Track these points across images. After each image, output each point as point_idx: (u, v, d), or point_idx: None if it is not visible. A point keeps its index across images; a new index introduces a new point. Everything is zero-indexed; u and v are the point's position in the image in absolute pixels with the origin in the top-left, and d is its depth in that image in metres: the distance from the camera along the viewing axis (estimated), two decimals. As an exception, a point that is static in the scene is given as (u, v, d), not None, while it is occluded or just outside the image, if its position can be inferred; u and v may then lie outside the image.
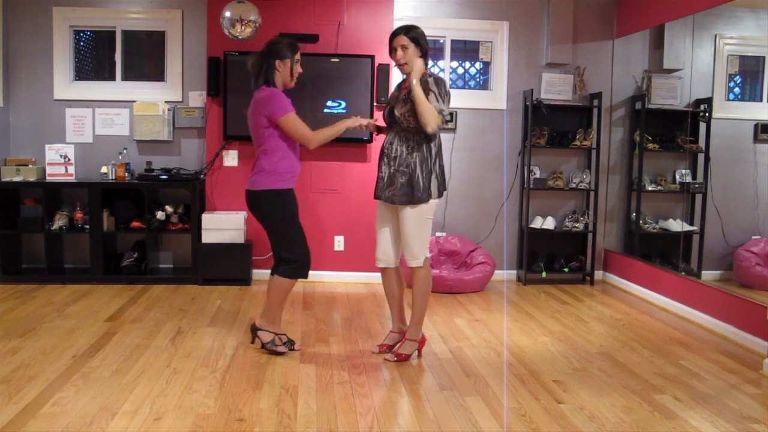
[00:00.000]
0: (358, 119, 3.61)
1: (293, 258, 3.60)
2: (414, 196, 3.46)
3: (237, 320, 4.33)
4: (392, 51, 3.52)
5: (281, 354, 3.65)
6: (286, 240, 3.61)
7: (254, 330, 3.71)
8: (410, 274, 3.65)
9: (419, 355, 3.70)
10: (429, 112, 3.38)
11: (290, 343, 3.76)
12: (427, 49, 3.54)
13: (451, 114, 5.61)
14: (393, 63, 3.60)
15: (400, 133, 3.52)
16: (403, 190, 3.48)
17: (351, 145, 5.47)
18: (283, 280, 3.61)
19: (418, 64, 3.43)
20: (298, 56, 3.58)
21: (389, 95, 3.74)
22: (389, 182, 3.54)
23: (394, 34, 3.50)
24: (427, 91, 3.42)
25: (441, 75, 3.41)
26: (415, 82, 3.39)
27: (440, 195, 3.55)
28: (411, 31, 3.48)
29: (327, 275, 5.58)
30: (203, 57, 5.51)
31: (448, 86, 3.59)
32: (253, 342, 3.76)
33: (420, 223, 3.51)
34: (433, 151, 3.52)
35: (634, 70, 5.77)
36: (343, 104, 5.34)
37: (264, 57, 3.52)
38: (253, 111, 3.56)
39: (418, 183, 3.46)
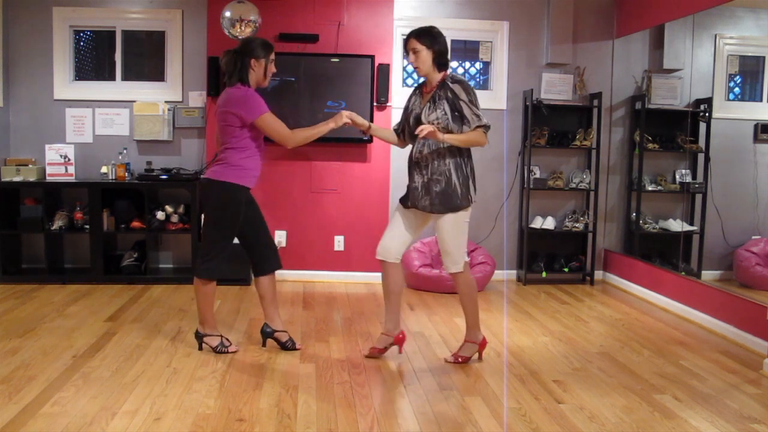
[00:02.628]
0: (342, 117, 3.47)
1: (206, 258, 3.55)
2: (453, 203, 3.40)
3: (237, 320, 4.33)
4: (406, 53, 3.50)
5: (233, 353, 3.65)
6: (210, 237, 3.56)
7: (199, 337, 3.67)
8: (454, 280, 3.63)
9: (479, 358, 3.67)
10: (474, 140, 3.37)
11: (291, 342, 3.76)
12: (443, 50, 3.43)
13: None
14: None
15: (430, 141, 3.41)
16: (440, 198, 3.40)
17: (351, 145, 5.47)
18: (198, 281, 3.55)
19: (427, 130, 3.27)
20: (272, 56, 3.55)
21: (409, 102, 3.59)
22: (425, 191, 3.43)
23: (407, 37, 3.45)
24: (457, 101, 3.35)
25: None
26: (443, 138, 3.31)
27: (474, 199, 3.51)
28: (422, 36, 3.40)
29: (327, 275, 5.58)
30: (203, 57, 5.51)
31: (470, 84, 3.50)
32: (200, 348, 3.68)
33: (459, 230, 3.47)
34: (465, 156, 3.46)
35: (634, 70, 5.77)
36: (344, 104, 5.34)
37: (239, 55, 3.48)
38: (224, 108, 3.47)
39: (456, 190, 3.40)
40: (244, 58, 3.47)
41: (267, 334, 3.76)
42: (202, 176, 3.57)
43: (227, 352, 3.64)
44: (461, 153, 3.44)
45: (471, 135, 3.37)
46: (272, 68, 3.57)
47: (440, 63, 3.44)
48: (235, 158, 3.48)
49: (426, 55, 3.40)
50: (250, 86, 3.51)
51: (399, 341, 3.66)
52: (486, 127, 3.40)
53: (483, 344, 3.66)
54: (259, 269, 3.72)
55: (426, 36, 3.40)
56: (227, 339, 3.70)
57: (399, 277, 3.65)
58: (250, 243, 3.71)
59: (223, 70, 3.54)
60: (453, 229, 3.46)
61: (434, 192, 3.41)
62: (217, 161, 3.54)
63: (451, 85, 3.40)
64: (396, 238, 3.59)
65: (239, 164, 3.48)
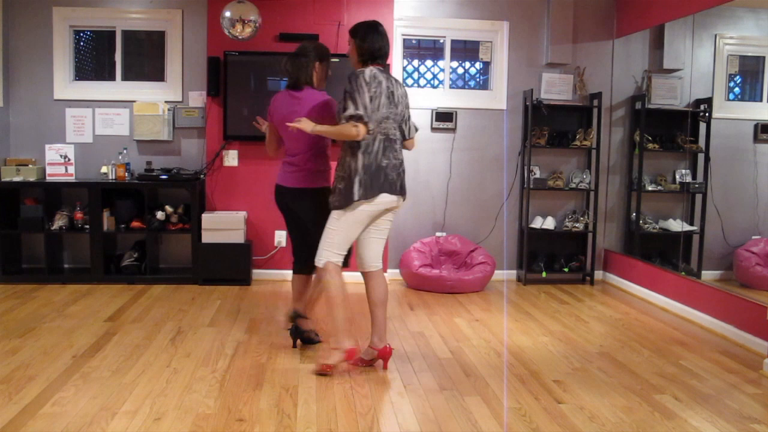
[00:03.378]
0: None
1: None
2: (334, 199, 3.34)
3: (237, 320, 4.33)
4: None
5: (318, 342, 3.86)
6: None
7: (297, 317, 3.78)
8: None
9: (354, 364, 3.51)
10: (341, 132, 3.22)
11: (315, 335, 3.92)
12: (365, 46, 3.36)
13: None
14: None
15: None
16: (334, 194, 3.36)
17: (351, 145, 5.47)
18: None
19: (304, 123, 3.32)
20: (331, 60, 3.74)
21: None
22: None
23: None
24: (344, 92, 3.30)
25: (360, 72, 3.10)
26: (312, 129, 3.29)
27: (365, 197, 3.26)
28: (352, 29, 3.47)
29: (327, 275, 5.57)
30: (203, 57, 5.51)
31: (362, 78, 3.25)
32: (295, 333, 3.82)
33: (334, 220, 3.34)
34: (358, 151, 3.27)
35: (634, 70, 5.77)
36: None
37: (306, 59, 3.61)
38: (311, 114, 3.51)
39: (337, 187, 3.33)
40: (310, 61, 3.61)
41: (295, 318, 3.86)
42: (305, 186, 3.63)
43: (319, 342, 3.85)
44: (354, 149, 3.28)
45: (340, 126, 3.24)
46: (329, 71, 3.73)
47: (362, 59, 3.41)
48: (325, 163, 3.67)
49: (352, 48, 3.44)
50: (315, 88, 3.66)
51: (383, 355, 3.47)
52: (354, 118, 3.19)
53: (350, 354, 3.40)
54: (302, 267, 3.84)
55: (353, 30, 3.46)
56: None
57: (378, 286, 3.49)
58: (301, 240, 3.81)
59: (287, 74, 3.65)
60: (331, 218, 3.36)
61: (338, 189, 3.34)
62: (310, 168, 3.60)
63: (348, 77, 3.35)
64: (360, 247, 3.49)
65: (328, 168, 3.68)
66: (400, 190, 3.40)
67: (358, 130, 3.20)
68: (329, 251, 3.38)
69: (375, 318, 3.49)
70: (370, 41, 3.39)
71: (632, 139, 5.78)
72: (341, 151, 3.38)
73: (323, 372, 3.38)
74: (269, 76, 5.42)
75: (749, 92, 5.42)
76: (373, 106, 3.24)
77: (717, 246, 5.13)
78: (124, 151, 5.49)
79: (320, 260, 3.39)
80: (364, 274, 3.51)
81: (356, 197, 3.26)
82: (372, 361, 3.53)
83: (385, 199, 3.33)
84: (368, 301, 3.51)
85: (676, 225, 5.46)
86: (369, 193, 3.28)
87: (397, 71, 5.66)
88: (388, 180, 3.33)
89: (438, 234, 5.70)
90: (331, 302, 3.39)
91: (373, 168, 3.29)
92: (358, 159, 3.28)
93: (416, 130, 3.57)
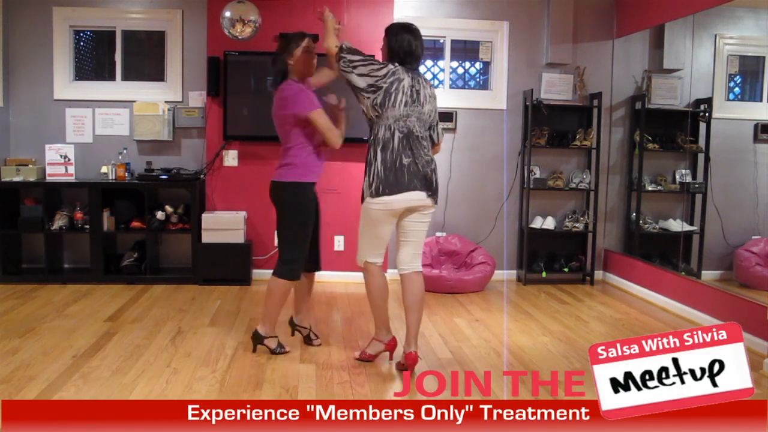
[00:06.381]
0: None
1: (290, 258, 3.58)
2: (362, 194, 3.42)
3: (237, 320, 4.33)
4: None
5: (287, 353, 3.67)
6: (289, 238, 3.59)
7: (259, 339, 3.66)
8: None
9: (390, 358, 3.59)
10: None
11: (314, 335, 3.88)
12: (393, 47, 3.43)
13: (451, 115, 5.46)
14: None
15: None
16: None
17: (351, 145, 5.43)
18: (279, 281, 3.58)
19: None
20: (305, 44, 3.56)
21: None
22: None
23: None
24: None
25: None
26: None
27: (378, 194, 3.29)
28: (387, 28, 3.52)
29: (327, 275, 5.57)
30: (203, 57, 5.51)
31: (382, 65, 3.36)
32: (255, 350, 3.68)
33: (361, 222, 3.44)
34: (373, 145, 3.36)
35: (634, 70, 5.77)
36: (344, 104, 5.32)
37: (278, 56, 3.57)
38: (277, 107, 3.55)
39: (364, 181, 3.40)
40: (281, 57, 3.56)
41: (293, 325, 3.90)
42: (273, 180, 3.61)
43: (285, 353, 3.66)
44: (372, 144, 3.38)
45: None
46: (309, 56, 3.61)
47: (389, 58, 3.46)
48: (298, 157, 3.57)
49: (383, 47, 3.51)
50: (296, 82, 3.58)
51: (408, 360, 3.47)
52: (338, 51, 3.41)
53: (391, 345, 3.55)
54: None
55: (387, 29, 3.49)
56: (279, 339, 3.70)
57: (406, 289, 3.52)
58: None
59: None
60: (360, 220, 3.46)
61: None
62: (282, 164, 3.60)
63: None
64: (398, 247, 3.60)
65: (302, 163, 3.59)
66: (422, 188, 3.33)
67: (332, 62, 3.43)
68: (364, 252, 3.47)
69: (406, 320, 3.49)
70: (399, 41, 3.37)
71: (632, 139, 5.78)
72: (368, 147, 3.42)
73: (365, 359, 3.56)
74: (269, 76, 5.41)
75: (749, 92, 5.43)
76: (389, 101, 3.28)
77: (717, 246, 5.14)
78: (124, 151, 5.49)
79: (360, 259, 3.51)
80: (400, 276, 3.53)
81: (368, 194, 3.33)
82: (376, 355, 3.58)
83: (399, 197, 3.30)
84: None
85: (676, 225, 5.46)
86: (382, 190, 3.29)
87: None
88: (405, 178, 3.29)
89: (438, 234, 5.70)
90: (374, 299, 3.53)
91: (388, 165, 3.29)
92: (387, 151, 3.31)
93: (442, 135, 3.58)
